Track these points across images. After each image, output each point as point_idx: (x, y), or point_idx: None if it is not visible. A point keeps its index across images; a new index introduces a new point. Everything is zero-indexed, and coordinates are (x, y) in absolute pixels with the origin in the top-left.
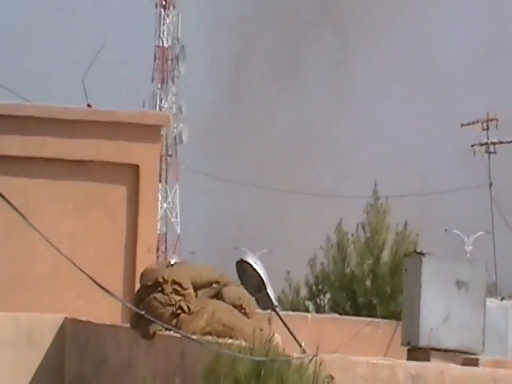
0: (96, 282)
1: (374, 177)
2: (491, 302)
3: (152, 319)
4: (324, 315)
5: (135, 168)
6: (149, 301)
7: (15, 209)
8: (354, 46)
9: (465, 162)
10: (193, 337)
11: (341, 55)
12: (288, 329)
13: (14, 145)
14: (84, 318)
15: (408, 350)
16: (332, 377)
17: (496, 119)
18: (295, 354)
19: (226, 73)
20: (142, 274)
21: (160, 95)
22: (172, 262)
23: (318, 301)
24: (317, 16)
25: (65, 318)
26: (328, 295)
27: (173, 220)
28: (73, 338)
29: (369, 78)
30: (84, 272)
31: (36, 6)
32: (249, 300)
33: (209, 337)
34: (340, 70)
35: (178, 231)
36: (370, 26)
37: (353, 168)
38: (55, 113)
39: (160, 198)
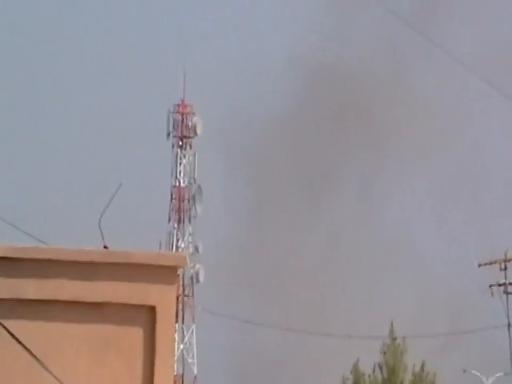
0: None
1: (391, 315)
2: None
3: None
4: None
5: (152, 309)
6: None
7: (31, 353)
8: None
9: (483, 301)
10: None
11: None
12: None
13: (31, 288)
14: None
15: None
16: None
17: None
18: None
19: (242, 211)
20: None
21: (176, 235)
22: None
23: None
24: (342, 139)
25: None
26: None
27: (189, 360)
28: None
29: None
30: None
31: (50, 147)
32: None
33: None
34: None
35: (195, 372)
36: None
37: (371, 306)
38: (72, 255)
39: (177, 338)
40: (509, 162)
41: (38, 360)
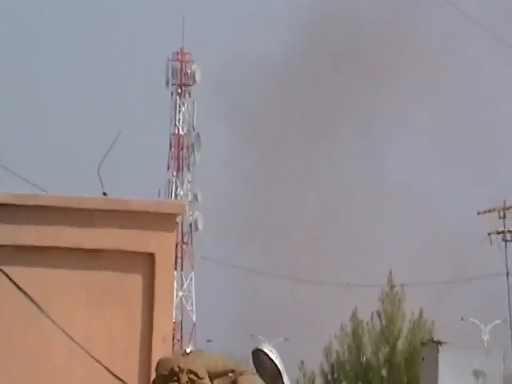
0: (111, 373)
1: (390, 264)
2: None
3: None
4: None
5: (151, 256)
6: None
7: (31, 299)
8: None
9: (483, 250)
10: None
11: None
12: None
13: (30, 235)
14: None
15: None
16: None
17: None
18: None
19: (242, 160)
20: (157, 364)
21: (175, 183)
22: (188, 350)
23: None
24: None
25: None
26: None
27: (188, 308)
28: None
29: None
30: (99, 362)
31: (50, 95)
32: None
33: None
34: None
35: (194, 319)
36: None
37: (371, 254)
38: (71, 202)
39: (175, 286)
40: None
41: (37, 306)
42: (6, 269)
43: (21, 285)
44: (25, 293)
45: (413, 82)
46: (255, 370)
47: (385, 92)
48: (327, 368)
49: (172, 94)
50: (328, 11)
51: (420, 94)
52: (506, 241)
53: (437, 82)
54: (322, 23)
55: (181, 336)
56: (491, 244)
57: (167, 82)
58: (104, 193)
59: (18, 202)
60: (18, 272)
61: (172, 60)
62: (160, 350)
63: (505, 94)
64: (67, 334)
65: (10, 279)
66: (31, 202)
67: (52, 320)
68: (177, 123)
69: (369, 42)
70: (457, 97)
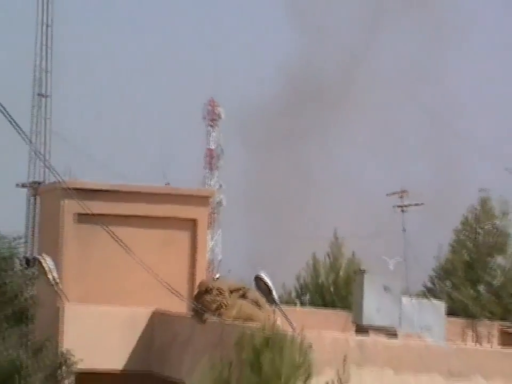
0: (172, 290)
1: (337, 221)
2: (405, 299)
3: (205, 311)
4: (306, 308)
5: (194, 222)
6: (202, 300)
7: (122, 245)
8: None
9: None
10: (229, 321)
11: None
12: (285, 316)
13: (122, 207)
14: (165, 311)
15: (356, 328)
16: (311, 345)
17: (407, 191)
18: (289, 332)
19: (249, 163)
20: (198, 285)
21: (209, 178)
22: (216, 276)
23: (302, 299)
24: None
25: (154, 310)
26: (308, 296)
27: (216, 251)
28: (158, 323)
29: None
30: (164, 284)
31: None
32: (261, 299)
33: (238, 322)
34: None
35: (220, 258)
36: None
37: (327, 213)
38: (149, 189)
39: (209, 238)
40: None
41: (126, 249)
42: (109, 228)
43: (117, 237)
44: (120, 243)
45: (354, 109)
46: (256, 288)
47: (335, 115)
48: (297, 286)
49: (206, 125)
50: (302, 65)
51: (357, 114)
52: (402, 211)
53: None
54: (298, 74)
55: (212, 269)
56: (394, 212)
57: (204, 118)
58: (167, 183)
59: (118, 189)
60: (116, 231)
61: (206, 104)
62: (200, 276)
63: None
64: (144, 266)
65: (112, 234)
66: (124, 189)
67: (136, 258)
68: (210, 142)
69: (327, 83)
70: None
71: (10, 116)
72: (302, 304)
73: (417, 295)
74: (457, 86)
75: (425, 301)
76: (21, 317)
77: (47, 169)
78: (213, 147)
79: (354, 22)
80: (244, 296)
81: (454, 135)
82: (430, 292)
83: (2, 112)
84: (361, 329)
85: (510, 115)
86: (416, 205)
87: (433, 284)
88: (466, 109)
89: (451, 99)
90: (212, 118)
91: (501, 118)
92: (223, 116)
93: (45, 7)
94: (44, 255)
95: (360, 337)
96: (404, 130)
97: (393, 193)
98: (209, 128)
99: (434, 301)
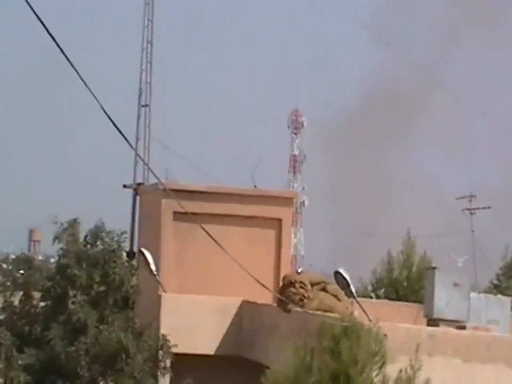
0: (259, 283)
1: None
2: (473, 294)
3: (289, 302)
4: (381, 300)
5: (280, 220)
6: (286, 292)
7: (216, 242)
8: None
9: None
10: (311, 312)
11: None
12: (362, 308)
13: (216, 207)
14: (253, 300)
15: (428, 320)
16: (386, 335)
17: (475, 196)
18: (365, 322)
19: (329, 168)
20: (283, 278)
21: (292, 181)
22: (299, 270)
23: (377, 293)
24: None
25: (243, 300)
26: (382, 290)
27: (299, 247)
28: (247, 311)
29: None
30: (253, 277)
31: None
32: (341, 292)
33: (319, 312)
34: None
35: (302, 253)
36: None
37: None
38: (239, 191)
39: (293, 236)
40: None
41: (220, 246)
42: (203, 226)
43: (211, 234)
44: (213, 239)
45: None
46: (336, 282)
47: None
48: (373, 281)
49: (290, 133)
50: (381, 80)
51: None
52: (471, 214)
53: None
54: (377, 87)
55: (295, 263)
56: (463, 214)
57: (288, 127)
58: (255, 186)
59: (213, 190)
60: (209, 228)
61: (291, 114)
62: (284, 270)
63: None
64: (235, 260)
65: (206, 231)
66: (217, 190)
67: (228, 253)
68: (293, 148)
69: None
70: None
71: (115, 124)
72: (378, 297)
73: (485, 291)
74: None
75: (492, 296)
76: (125, 304)
77: (148, 172)
78: (296, 153)
79: (431, 40)
80: (324, 289)
81: None
82: (496, 289)
83: (112, 122)
84: (432, 322)
85: None
86: (484, 208)
87: (500, 281)
88: None
89: None
90: (296, 126)
91: None
92: (305, 124)
93: (149, 26)
94: (143, 249)
95: (431, 328)
96: (475, 139)
97: (463, 197)
98: (293, 135)
99: (500, 297)
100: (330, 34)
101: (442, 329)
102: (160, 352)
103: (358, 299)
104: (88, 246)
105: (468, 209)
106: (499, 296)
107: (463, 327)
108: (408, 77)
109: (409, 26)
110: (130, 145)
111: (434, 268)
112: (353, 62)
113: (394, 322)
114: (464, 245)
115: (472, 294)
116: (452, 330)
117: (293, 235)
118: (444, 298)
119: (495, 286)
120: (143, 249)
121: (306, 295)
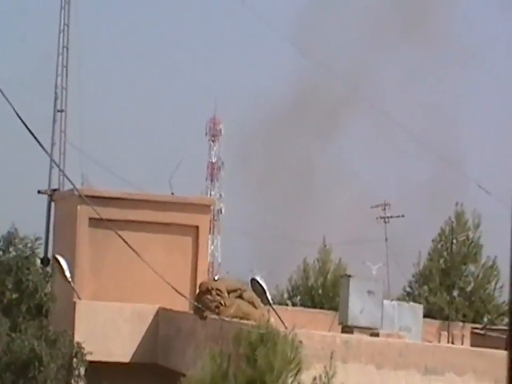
0: (176, 290)
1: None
2: (386, 302)
3: (205, 309)
4: (297, 308)
5: (197, 228)
6: (203, 299)
7: (132, 249)
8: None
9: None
10: (227, 319)
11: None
12: (278, 316)
13: (132, 213)
14: (170, 308)
15: (342, 327)
16: (301, 342)
17: (389, 204)
18: (281, 329)
19: (247, 174)
20: (199, 285)
21: (210, 188)
22: (216, 278)
23: (293, 300)
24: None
25: (159, 307)
26: (298, 297)
27: (216, 254)
28: (163, 318)
29: None
30: (169, 284)
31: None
32: (257, 299)
33: (235, 319)
34: None
35: (220, 261)
36: None
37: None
38: (156, 197)
39: (210, 243)
40: None
41: (136, 252)
42: (120, 232)
43: (126, 240)
44: (129, 246)
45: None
46: (252, 289)
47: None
48: (289, 288)
49: (208, 140)
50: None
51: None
52: (385, 222)
53: None
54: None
55: (212, 270)
56: (377, 222)
57: (206, 134)
58: (172, 193)
59: (127, 197)
60: (125, 235)
61: (208, 122)
62: (201, 277)
63: None
64: (151, 267)
65: (122, 238)
66: (134, 197)
67: (144, 260)
68: (211, 155)
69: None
70: None
71: (29, 129)
72: (293, 304)
73: (398, 299)
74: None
75: (404, 304)
76: (39, 311)
77: (64, 178)
78: (214, 160)
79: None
80: (240, 296)
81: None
82: (409, 296)
83: (26, 127)
84: (346, 329)
85: None
86: (398, 216)
87: (412, 288)
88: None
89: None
90: (214, 133)
91: None
92: (223, 132)
93: (65, 30)
94: (58, 255)
95: (345, 335)
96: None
97: (377, 206)
98: (211, 143)
99: (413, 304)
100: (247, 40)
101: (356, 336)
102: (75, 359)
103: (274, 306)
104: (1, 252)
105: (381, 217)
106: (411, 303)
107: (377, 334)
108: (330, 90)
109: (332, 36)
110: (45, 150)
111: (349, 276)
112: (272, 71)
113: (310, 330)
114: (379, 253)
115: (386, 302)
116: (366, 337)
117: (210, 242)
118: (358, 306)
119: (408, 294)
120: (58, 256)
121: (222, 302)
